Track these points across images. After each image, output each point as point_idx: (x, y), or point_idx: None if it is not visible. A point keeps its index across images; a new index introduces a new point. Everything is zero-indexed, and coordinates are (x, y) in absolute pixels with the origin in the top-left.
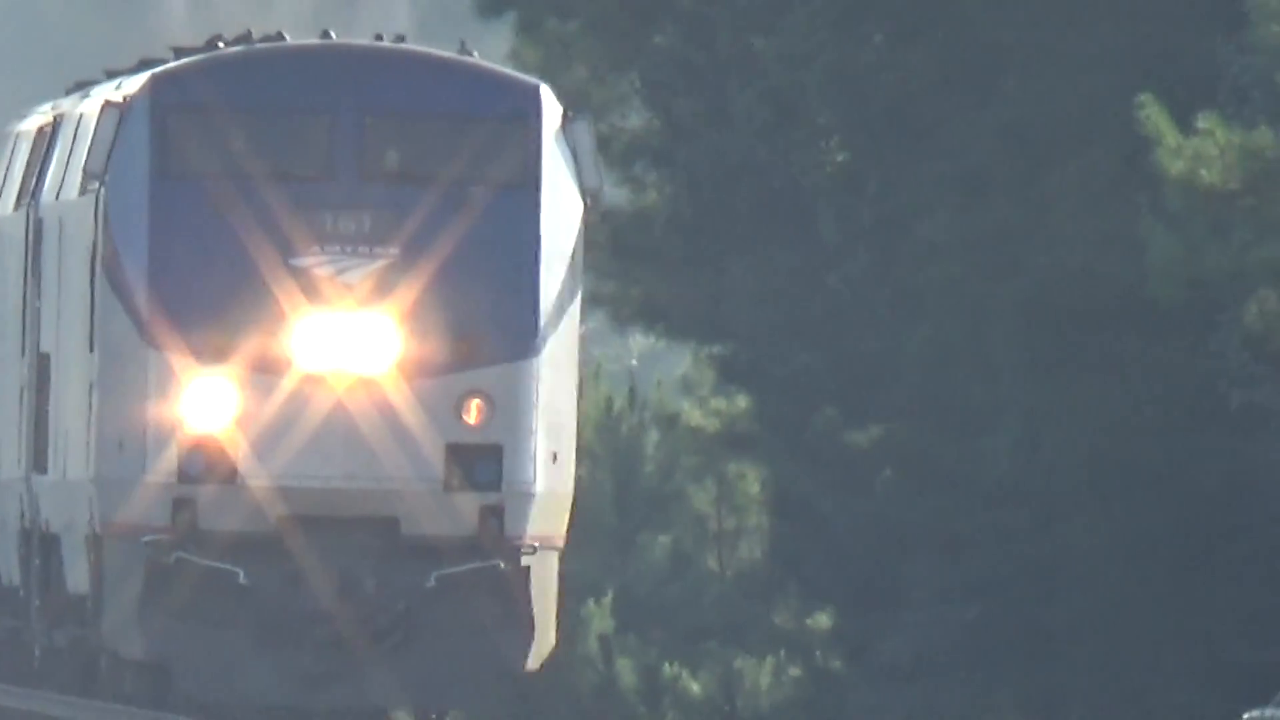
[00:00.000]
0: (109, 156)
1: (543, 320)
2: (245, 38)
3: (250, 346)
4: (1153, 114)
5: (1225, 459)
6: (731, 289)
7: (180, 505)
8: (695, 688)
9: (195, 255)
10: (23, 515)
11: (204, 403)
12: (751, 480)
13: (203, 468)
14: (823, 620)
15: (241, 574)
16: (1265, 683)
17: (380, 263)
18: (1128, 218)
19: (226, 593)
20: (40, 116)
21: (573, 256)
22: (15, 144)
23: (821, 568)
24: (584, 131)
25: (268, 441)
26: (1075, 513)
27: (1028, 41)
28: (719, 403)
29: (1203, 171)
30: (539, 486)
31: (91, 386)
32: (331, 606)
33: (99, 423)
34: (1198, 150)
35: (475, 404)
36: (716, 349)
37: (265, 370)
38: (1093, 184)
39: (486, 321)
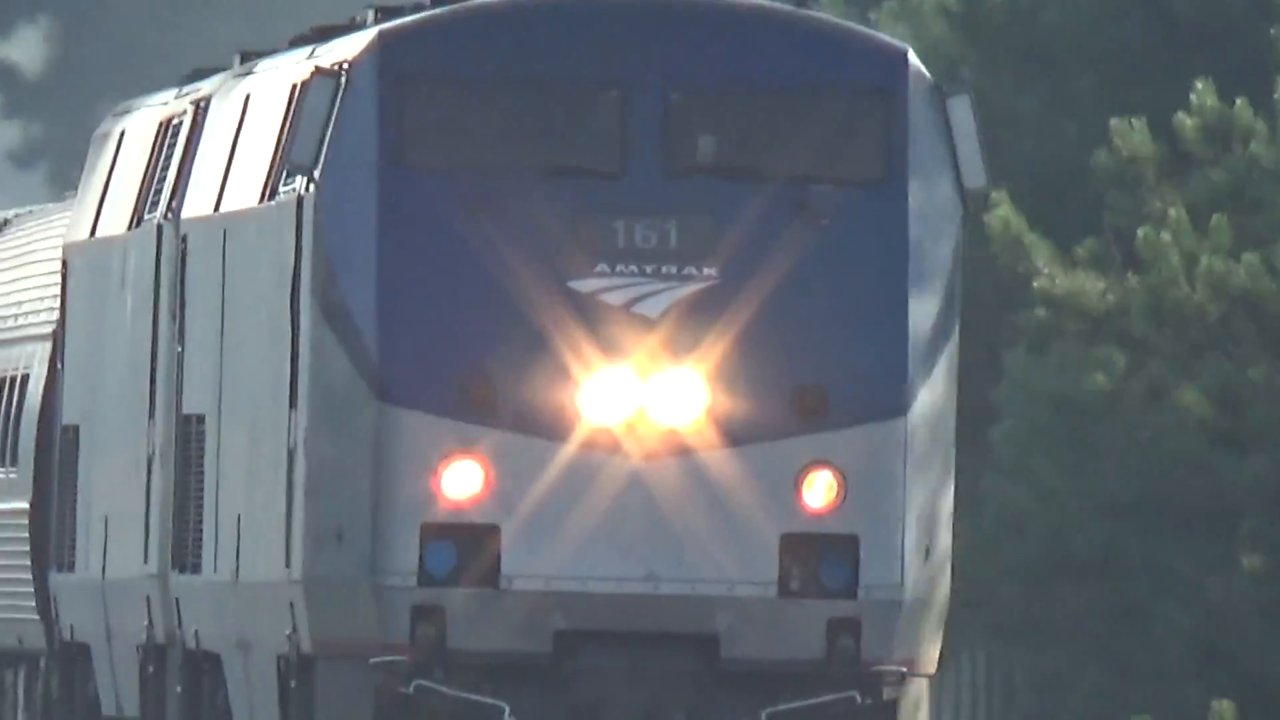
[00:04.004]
0: (321, 143)
1: (913, 365)
2: None
3: (516, 400)
4: None
5: None
6: None
7: (423, 616)
8: None
9: (442, 275)
10: (149, 625)
11: (455, 477)
12: None
13: (453, 566)
14: None
15: (507, 710)
16: None
17: (692, 288)
18: None
19: None
20: (158, 109)
21: (950, 278)
22: (114, 147)
23: None
24: (965, 110)
25: (542, 530)
26: None
27: None
28: None
29: None
30: (909, 592)
31: (292, 455)
32: None
33: (307, 504)
34: None
35: (822, 479)
36: None
37: (537, 433)
38: None
39: (837, 367)
